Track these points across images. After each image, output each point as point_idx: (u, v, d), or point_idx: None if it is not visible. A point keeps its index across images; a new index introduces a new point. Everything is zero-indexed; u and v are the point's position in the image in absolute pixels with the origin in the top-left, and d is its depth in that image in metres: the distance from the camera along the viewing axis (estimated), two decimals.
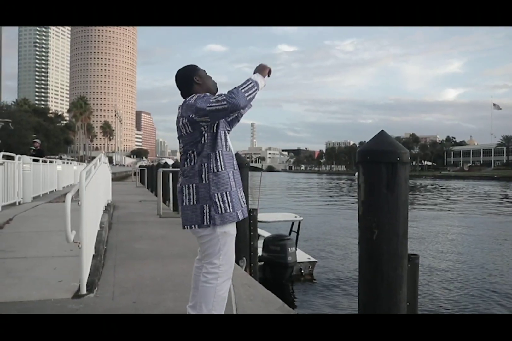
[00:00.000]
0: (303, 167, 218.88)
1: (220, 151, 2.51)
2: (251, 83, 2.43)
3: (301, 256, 9.24)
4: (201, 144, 2.50)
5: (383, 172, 2.39)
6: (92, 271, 3.93)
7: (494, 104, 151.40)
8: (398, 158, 2.39)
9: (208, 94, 2.49)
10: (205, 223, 2.45)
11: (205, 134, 2.50)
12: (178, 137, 2.61)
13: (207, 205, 2.46)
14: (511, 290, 8.51)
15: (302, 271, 9.05)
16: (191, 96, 2.53)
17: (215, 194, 2.46)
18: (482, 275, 9.67)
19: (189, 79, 2.64)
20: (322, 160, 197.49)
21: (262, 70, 2.56)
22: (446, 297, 8.01)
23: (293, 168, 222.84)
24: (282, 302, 3.42)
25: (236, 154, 3.35)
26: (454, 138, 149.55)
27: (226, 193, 2.48)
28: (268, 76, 2.60)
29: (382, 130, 2.54)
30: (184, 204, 2.52)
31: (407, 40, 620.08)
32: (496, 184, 62.47)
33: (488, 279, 9.35)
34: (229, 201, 2.48)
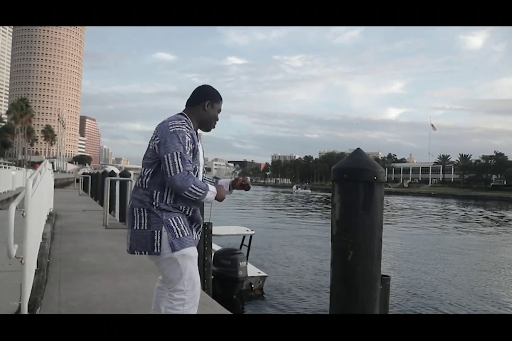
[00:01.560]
0: (249, 179, 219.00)
1: None
2: (203, 193, 2.29)
3: (252, 270, 9.11)
4: (156, 168, 2.35)
5: (360, 191, 2.32)
6: (34, 288, 3.57)
7: (432, 125, 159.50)
8: (375, 177, 2.33)
9: (184, 144, 2.28)
10: (155, 250, 2.29)
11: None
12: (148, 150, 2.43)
13: (159, 231, 2.29)
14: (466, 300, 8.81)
15: (252, 286, 8.91)
16: (176, 124, 2.31)
17: (169, 219, 2.31)
18: (434, 289, 9.95)
19: (204, 99, 2.49)
20: (268, 173, 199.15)
21: (219, 197, 2.44)
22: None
23: None
24: None
25: None
26: (395, 155, 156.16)
27: (179, 217, 2.35)
28: (246, 190, 2.79)
29: (358, 148, 2.48)
30: (135, 227, 2.34)
31: (354, 59, 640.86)
32: (433, 200, 65.55)
33: (439, 293, 9.62)
34: (184, 224, 2.35)
